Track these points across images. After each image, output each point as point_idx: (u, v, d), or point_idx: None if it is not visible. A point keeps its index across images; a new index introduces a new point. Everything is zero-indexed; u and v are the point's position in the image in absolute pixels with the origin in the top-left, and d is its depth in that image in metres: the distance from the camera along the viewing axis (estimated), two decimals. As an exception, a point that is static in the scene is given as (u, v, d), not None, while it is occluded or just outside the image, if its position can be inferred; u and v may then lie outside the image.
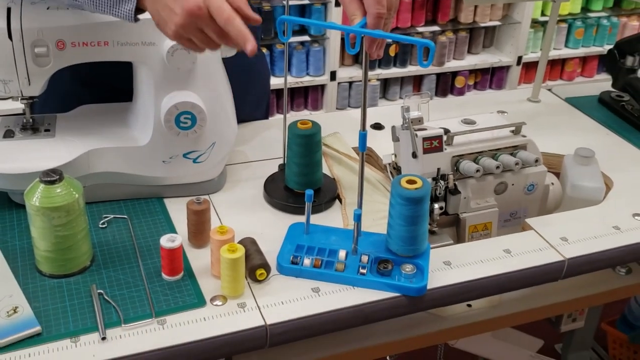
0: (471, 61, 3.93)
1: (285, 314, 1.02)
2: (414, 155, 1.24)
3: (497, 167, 1.25)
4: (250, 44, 0.97)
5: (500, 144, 1.30)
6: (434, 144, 1.24)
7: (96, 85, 1.37)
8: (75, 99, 1.35)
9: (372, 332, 1.19)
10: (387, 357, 1.72)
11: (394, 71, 3.75)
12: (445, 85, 3.96)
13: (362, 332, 1.18)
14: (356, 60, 3.77)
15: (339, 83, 3.64)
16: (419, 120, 1.26)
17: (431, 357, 1.75)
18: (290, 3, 3.43)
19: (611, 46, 1.69)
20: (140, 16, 1.07)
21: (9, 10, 1.12)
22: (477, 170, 1.23)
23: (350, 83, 3.70)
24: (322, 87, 3.65)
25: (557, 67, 4.20)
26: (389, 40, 1.02)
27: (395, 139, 1.32)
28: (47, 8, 1.13)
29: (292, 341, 1.04)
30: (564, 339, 2.19)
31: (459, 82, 3.96)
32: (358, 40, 0.98)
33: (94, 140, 1.22)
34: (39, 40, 1.14)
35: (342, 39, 3.57)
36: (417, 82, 3.93)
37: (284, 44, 3.44)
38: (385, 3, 0.98)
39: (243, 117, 1.50)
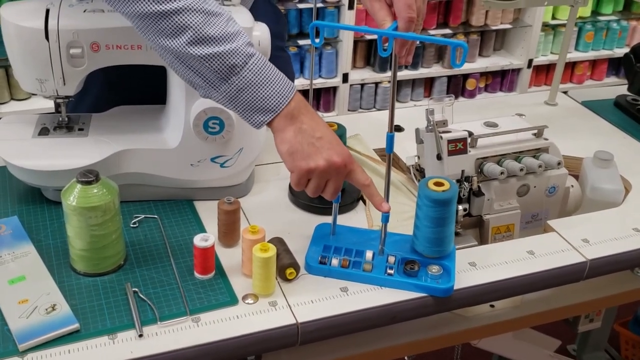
0: (482, 64, 3.94)
1: (316, 313, 1.04)
2: (439, 157, 1.26)
3: (521, 170, 1.27)
4: (385, 206, 1.12)
5: (523, 147, 1.32)
6: (458, 147, 1.26)
7: (127, 89, 1.39)
8: (106, 102, 1.37)
9: (397, 332, 1.21)
10: (405, 358, 1.73)
11: (405, 73, 3.77)
12: (457, 87, 3.97)
13: (387, 332, 1.20)
14: (368, 62, 3.78)
15: (351, 85, 3.66)
16: (444, 123, 1.28)
17: (448, 357, 1.77)
18: (304, 6, 3.45)
19: (621, 50, 1.71)
20: None
21: (47, 11, 1.14)
22: (502, 173, 1.25)
23: (362, 85, 3.72)
24: (334, 89, 3.68)
25: (567, 70, 4.20)
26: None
27: (419, 141, 1.34)
28: (84, 11, 1.16)
29: (322, 339, 1.07)
30: (578, 340, 2.21)
31: (470, 84, 3.97)
32: (390, 43, 1.01)
33: (125, 141, 1.24)
34: (74, 42, 1.16)
35: (355, 42, 3.60)
36: (428, 84, 3.94)
37: (300, 47, 3.49)
38: (415, 8, 1.01)
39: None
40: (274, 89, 1.06)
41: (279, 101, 1.06)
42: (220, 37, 1.03)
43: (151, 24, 1.03)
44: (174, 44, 1.03)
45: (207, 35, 1.03)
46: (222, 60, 1.03)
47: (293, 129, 1.07)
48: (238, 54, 1.04)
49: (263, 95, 1.06)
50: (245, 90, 1.05)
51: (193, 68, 1.05)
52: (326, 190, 1.11)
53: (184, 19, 1.02)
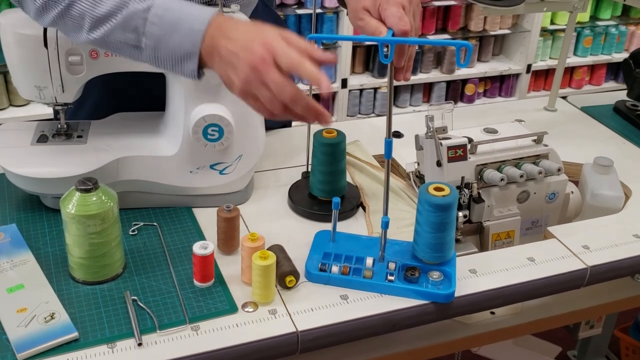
0: (481, 69, 3.95)
1: (316, 321, 1.04)
2: (439, 163, 1.26)
3: (521, 176, 1.27)
4: (324, 84, 0.96)
5: (523, 153, 1.31)
6: (458, 153, 1.26)
7: (126, 96, 1.38)
8: (105, 109, 1.37)
9: (398, 340, 1.20)
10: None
11: (404, 79, 3.77)
12: (455, 92, 3.98)
13: (388, 340, 1.20)
14: (367, 67, 3.79)
15: (349, 90, 3.66)
16: (443, 130, 1.28)
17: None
18: (303, 12, 3.45)
19: (619, 54, 1.71)
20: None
21: None
22: (502, 179, 1.25)
23: (361, 90, 3.72)
24: (333, 95, 3.68)
25: (566, 75, 4.21)
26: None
27: (419, 147, 1.34)
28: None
29: (322, 348, 1.06)
30: (579, 346, 2.20)
31: (469, 89, 3.98)
32: (391, 49, 1.01)
33: (123, 148, 1.24)
34: (73, 49, 1.16)
35: (354, 47, 3.60)
36: (427, 89, 3.95)
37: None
38: (406, 20, 1.01)
39: (267, 124, 1.52)
40: (183, 30, 1.00)
41: (193, 39, 1.00)
42: (112, 11, 1.01)
43: (62, 27, 1.04)
44: (82, 36, 1.03)
45: (100, 15, 1.01)
46: (123, 30, 1.01)
47: (217, 61, 1.00)
48: (134, 17, 1.01)
49: (176, 42, 1.01)
50: (159, 46, 1.01)
51: (113, 49, 1.04)
52: (279, 94, 0.97)
53: (76, 9, 1.02)
